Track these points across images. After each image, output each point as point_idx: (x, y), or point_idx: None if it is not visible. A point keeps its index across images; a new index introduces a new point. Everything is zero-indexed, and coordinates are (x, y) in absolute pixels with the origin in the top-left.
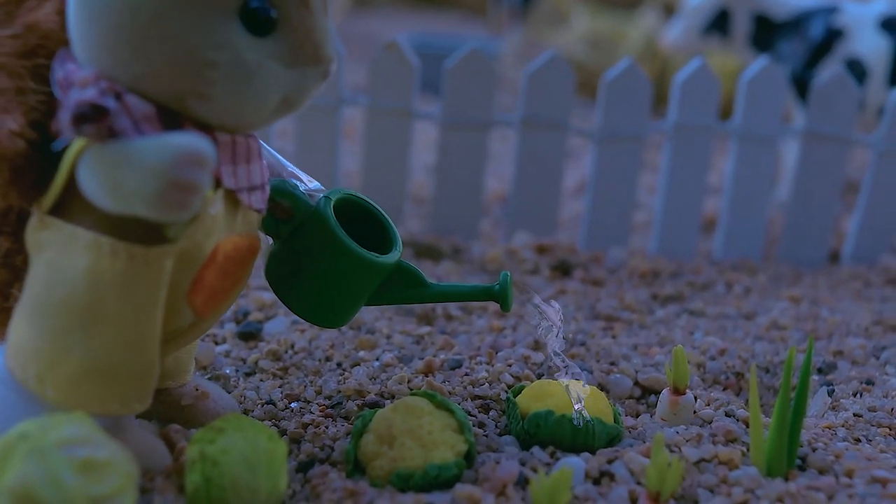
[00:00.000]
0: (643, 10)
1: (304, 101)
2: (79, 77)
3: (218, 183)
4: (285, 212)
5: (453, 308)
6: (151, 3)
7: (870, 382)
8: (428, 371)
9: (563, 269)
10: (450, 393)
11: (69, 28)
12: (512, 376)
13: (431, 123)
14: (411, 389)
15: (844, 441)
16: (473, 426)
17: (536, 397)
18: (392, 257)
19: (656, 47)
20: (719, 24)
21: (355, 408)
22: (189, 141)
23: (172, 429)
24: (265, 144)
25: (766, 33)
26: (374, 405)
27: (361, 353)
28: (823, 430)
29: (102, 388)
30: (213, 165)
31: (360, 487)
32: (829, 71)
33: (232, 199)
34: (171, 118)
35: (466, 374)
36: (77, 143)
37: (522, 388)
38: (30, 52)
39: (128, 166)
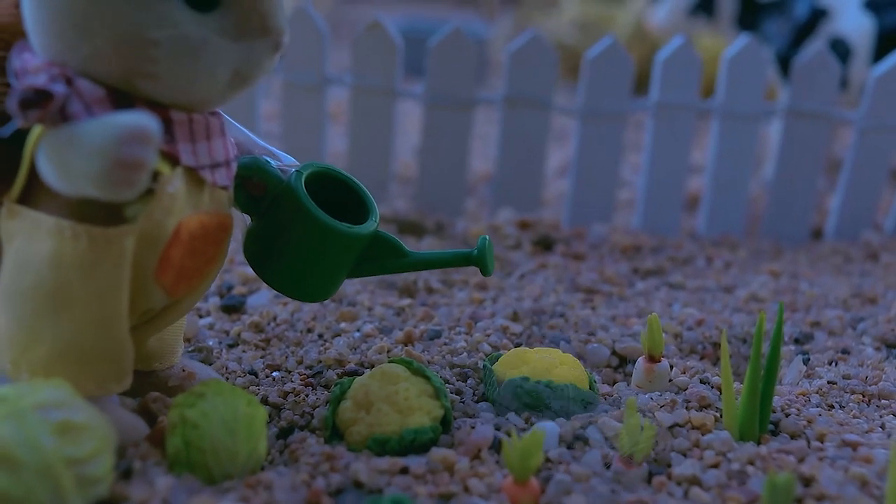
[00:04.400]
0: None
1: (258, 74)
2: (32, 65)
3: (176, 161)
4: (258, 188)
5: (434, 281)
6: None
7: (846, 352)
8: (407, 341)
9: (544, 245)
10: (429, 362)
11: (24, 18)
12: (490, 346)
13: (417, 103)
14: (391, 359)
15: (818, 407)
16: (451, 393)
17: (513, 364)
18: (367, 227)
19: (645, 30)
20: (705, 4)
21: (335, 377)
22: (131, 119)
23: (151, 398)
24: (235, 123)
25: (752, 13)
26: (354, 374)
27: (342, 325)
28: (797, 397)
29: (76, 371)
30: (157, 142)
31: (338, 452)
32: (811, 48)
33: (195, 177)
34: (122, 99)
35: (445, 344)
36: (35, 131)
37: (499, 356)
38: None
39: (75, 148)
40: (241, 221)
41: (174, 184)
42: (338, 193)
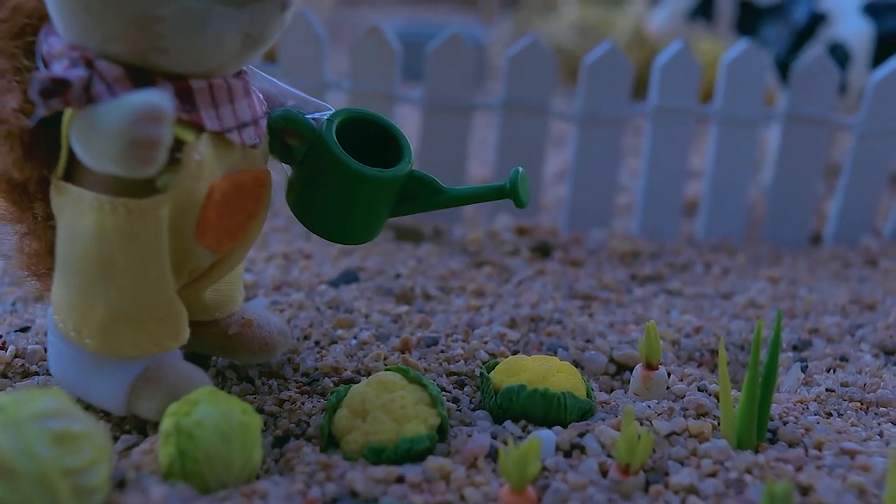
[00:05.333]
0: None
1: (270, 35)
2: (56, 49)
3: (201, 128)
4: (293, 138)
5: (432, 287)
6: None
7: (844, 359)
8: (404, 349)
9: (542, 251)
10: (425, 370)
11: (46, 4)
12: (487, 353)
13: (415, 108)
14: (387, 367)
15: (816, 415)
16: (448, 401)
17: (509, 372)
18: (401, 169)
19: (644, 35)
20: (704, 9)
21: (331, 384)
22: (143, 99)
23: None
24: (266, 75)
25: (751, 18)
26: (351, 382)
27: (339, 332)
28: (795, 405)
29: (131, 332)
30: (170, 118)
31: (334, 460)
32: (810, 53)
33: (223, 140)
34: (141, 75)
35: (442, 352)
36: (68, 112)
37: (496, 363)
38: (20, 32)
39: (95, 130)
40: (282, 172)
41: (199, 150)
42: (373, 135)
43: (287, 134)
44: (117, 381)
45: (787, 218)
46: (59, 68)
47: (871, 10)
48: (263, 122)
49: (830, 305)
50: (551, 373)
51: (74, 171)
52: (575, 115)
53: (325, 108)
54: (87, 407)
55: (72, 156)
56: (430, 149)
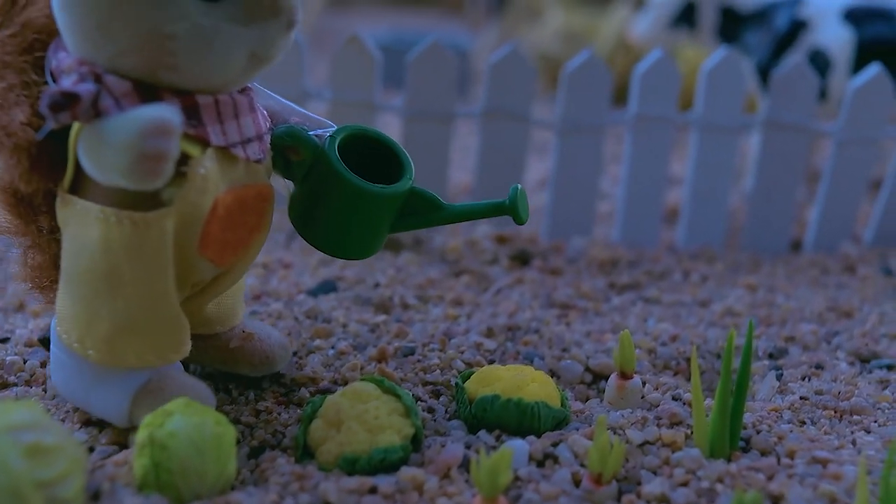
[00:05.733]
0: (616, 5)
1: (275, 53)
2: (66, 64)
3: (206, 143)
4: (295, 154)
5: (410, 297)
6: None
7: (819, 367)
8: (381, 358)
9: (521, 259)
10: (402, 379)
11: (55, 20)
12: (464, 363)
13: (396, 116)
14: (362, 377)
15: (789, 423)
16: (423, 411)
17: (484, 382)
18: (402, 186)
19: (628, 42)
20: (686, 16)
21: (308, 395)
22: (151, 113)
23: None
24: (270, 93)
25: (733, 25)
26: (328, 392)
27: (317, 342)
28: (769, 413)
29: (135, 344)
30: (178, 132)
31: (308, 471)
32: (789, 60)
33: (227, 154)
34: (148, 91)
35: (419, 361)
36: (76, 125)
37: (472, 373)
38: (28, 47)
39: (104, 144)
40: (284, 187)
41: (205, 165)
42: (375, 152)
43: (290, 150)
44: (120, 392)
45: (767, 225)
46: (68, 83)
47: (851, 17)
48: (267, 138)
49: (807, 313)
50: (525, 382)
51: (80, 184)
52: (555, 123)
53: (328, 126)
54: (65, 419)
55: (78, 169)
56: (412, 157)
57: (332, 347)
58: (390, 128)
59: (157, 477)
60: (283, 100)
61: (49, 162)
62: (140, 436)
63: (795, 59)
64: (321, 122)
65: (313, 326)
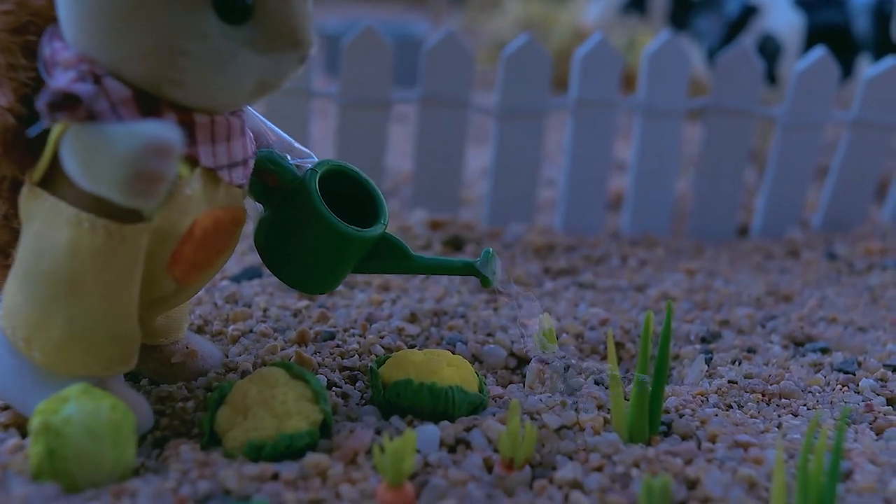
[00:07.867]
0: None
1: (281, 84)
2: (62, 57)
3: (196, 162)
4: (273, 180)
5: None
6: None
7: (752, 350)
8: (301, 342)
9: (454, 245)
10: (319, 364)
11: (57, 6)
12: (383, 348)
13: (331, 103)
14: (271, 363)
15: (715, 407)
16: (337, 397)
17: (398, 366)
18: (375, 231)
19: (580, 28)
20: (637, 2)
21: (217, 381)
22: (156, 131)
23: None
24: (256, 113)
25: (684, 10)
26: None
27: (233, 327)
28: (694, 397)
29: (85, 353)
30: (179, 154)
31: (211, 458)
32: (733, 46)
33: (212, 175)
34: (148, 102)
35: (338, 346)
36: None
37: (387, 358)
38: (21, 28)
39: (100, 152)
40: (253, 210)
41: (192, 186)
42: (349, 190)
43: (268, 176)
44: None
45: (712, 211)
46: (63, 79)
47: (802, 3)
48: (251, 163)
49: (745, 297)
50: (441, 366)
51: (54, 180)
52: (494, 109)
53: (309, 156)
54: None
55: (54, 164)
56: (348, 144)
57: (251, 331)
58: (327, 115)
59: (53, 464)
60: (270, 124)
61: (22, 149)
62: (34, 422)
63: (740, 43)
64: (302, 151)
65: (233, 311)
